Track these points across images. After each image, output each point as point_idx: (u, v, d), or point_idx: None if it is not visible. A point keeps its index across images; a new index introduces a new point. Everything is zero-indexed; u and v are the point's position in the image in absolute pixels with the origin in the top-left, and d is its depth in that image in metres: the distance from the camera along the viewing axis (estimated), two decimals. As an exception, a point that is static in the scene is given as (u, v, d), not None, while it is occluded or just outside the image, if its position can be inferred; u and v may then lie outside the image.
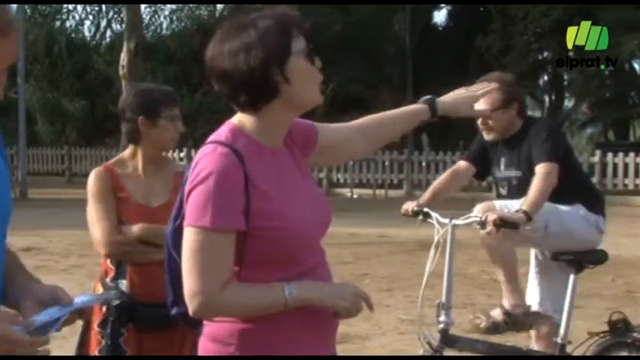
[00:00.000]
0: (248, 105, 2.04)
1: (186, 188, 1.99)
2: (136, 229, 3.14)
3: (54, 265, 9.64)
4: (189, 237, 1.96)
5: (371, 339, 6.31)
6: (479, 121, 4.20)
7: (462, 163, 4.48)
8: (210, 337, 2.07)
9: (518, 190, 4.15)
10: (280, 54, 1.99)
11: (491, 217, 3.75)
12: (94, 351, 3.22)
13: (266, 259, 2.01)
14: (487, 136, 4.25)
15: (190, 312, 1.99)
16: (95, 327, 3.21)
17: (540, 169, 4.02)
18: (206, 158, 1.98)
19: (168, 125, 3.24)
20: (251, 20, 2.02)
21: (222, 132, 2.04)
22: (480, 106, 3.76)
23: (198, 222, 1.94)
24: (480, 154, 4.41)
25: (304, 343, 2.06)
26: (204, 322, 2.09)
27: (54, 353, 1.92)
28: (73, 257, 10.12)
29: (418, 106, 2.44)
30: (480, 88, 2.56)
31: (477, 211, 3.92)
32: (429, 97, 2.45)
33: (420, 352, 3.87)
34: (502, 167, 4.27)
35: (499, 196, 4.36)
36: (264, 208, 1.98)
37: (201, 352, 2.09)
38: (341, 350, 7.18)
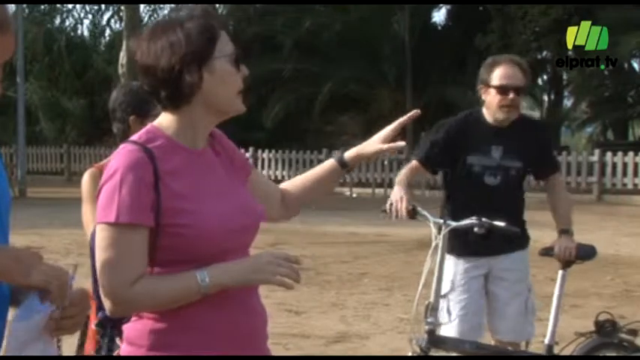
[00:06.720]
0: (168, 102, 2.06)
1: (98, 188, 2.00)
2: None
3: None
4: (98, 235, 1.97)
5: (370, 338, 6.32)
6: (506, 99, 3.99)
7: (417, 165, 4.21)
8: (126, 340, 2.06)
9: (515, 180, 4.13)
10: (200, 55, 2.00)
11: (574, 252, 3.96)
12: (91, 351, 3.16)
13: (177, 258, 1.99)
14: (506, 115, 4.02)
15: (107, 312, 1.99)
16: (93, 326, 3.12)
17: (559, 177, 4.26)
18: (115, 157, 2.00)
19: None
20: (180, 20, 2.03)
21: (138, 133, 2.06)
22: (507, 81, 3.93)
23: (104, 218, 1.95)
24: (439, 151, 4.16)
25: (220, 342, 2.02)
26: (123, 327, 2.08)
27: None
28: (73, 256, 10.10)
29: (330, 165, 2.39)
30: (392, 126, 2.37)
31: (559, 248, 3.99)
32: (339, 153, 2.40)
33: (409, 354, 3.85)
34: (496, 154, 4.08)
35: (459, 182, 4.16)
36: (176, 207, 1.97)
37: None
38: (340, 349, 7.20)
